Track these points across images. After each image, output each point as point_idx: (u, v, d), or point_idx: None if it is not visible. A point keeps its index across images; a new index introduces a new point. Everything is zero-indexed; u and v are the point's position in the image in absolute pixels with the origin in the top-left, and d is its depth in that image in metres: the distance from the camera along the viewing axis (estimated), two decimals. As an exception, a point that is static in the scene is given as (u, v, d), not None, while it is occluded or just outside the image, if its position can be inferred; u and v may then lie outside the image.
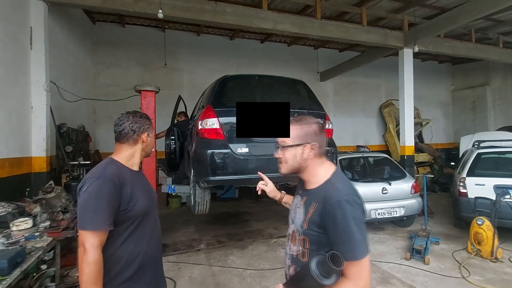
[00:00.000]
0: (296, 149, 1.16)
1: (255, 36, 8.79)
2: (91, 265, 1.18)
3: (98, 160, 7.12)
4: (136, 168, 1.48)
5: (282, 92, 3.32)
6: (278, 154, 1.22)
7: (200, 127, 2.89)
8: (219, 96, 3.04)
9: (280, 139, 1.22)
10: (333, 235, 1.04)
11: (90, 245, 1.19)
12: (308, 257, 1.11)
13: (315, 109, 3.32)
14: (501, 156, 5.06)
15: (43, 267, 2.66)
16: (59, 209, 3.06)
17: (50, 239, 2.59)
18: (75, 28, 6.34)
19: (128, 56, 7.97)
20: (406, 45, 6.41)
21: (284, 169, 1.20)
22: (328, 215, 1.04)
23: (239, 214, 6.77)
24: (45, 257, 2.67)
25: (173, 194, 5.26)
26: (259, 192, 1.58)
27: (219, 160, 2.76)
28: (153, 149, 1.62)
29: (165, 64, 7.85)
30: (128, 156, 1.44)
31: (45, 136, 4.26)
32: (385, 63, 10.48)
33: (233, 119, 2.88)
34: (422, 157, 9.45)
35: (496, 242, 3.98)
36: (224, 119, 2.88)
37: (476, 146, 5.43)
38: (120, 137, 1.44)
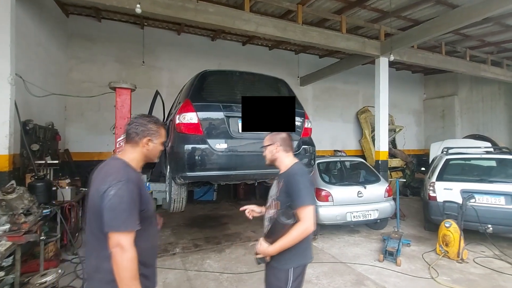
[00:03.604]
0: (271, 147, 1.92)
1: (237, 38, 8.77)
2: (132, 261, 1.30)
3: (67, 160, 6.74)
4: (139, 169, 1.55)
5: (263, 90, 3.31)
6: (264, 152, 1.95)
7: (177, 121, 2.79)
8: (199, 91, 2.97)
9: (264, 143, 1.96)
10: (292, 193, 1.70)
11: (127, 244, 1.29)
12: None
13: (296, 108, 3.33)
14: (467, 162, 5.37)
15: (1, 274, 2.44)
16: (21, 211, 2.83)
17: (9, 243, 2.39)
18: (47, 20, 5.98)
19: (104, 51, 7.64)
20: (383, 53, 6.68)
21: (266, 160, 1.95)
22: (291, 182, 1.72)
23: (217, 217, 6.66)
24: (3, 263, 2.45)
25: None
26: (251, 217, 2.13)
27: (197, 156, 2.68)
28: (157, 156, 1.63)
29: (143, 62, 7.61)
30: (132, 157, 1.50)
31: (8, 132, 3.95)
32: (363, 71, 10.85)
33: (212, 115, 2.83)
34: (395, 162, 9.84)
35: (462, 243, 4.20)
36: (203, 114, 2.81)
37: (444, 152, 5.73)
38: (126, 137, 1.53)
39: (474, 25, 6.76)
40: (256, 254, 1.76)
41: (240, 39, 8.82)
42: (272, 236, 1.66)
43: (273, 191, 1.87)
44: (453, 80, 11.91)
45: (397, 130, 10.67)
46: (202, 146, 2.74)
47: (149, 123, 1.53)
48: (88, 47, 7.54)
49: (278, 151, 1.87)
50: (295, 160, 1.90)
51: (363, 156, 10.11)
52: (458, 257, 4.18)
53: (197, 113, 2.78)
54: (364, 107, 11.05)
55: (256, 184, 3.31)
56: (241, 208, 2.14)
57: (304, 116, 3.41)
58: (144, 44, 7.74)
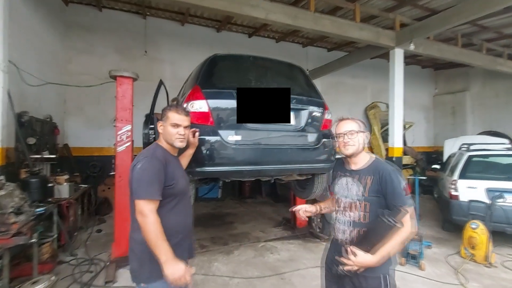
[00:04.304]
0: (362, 134, 1.65)
1: (243, 29, 8.43)
2: (154, 224, 1.45)
3: (67, 155, 6.45)
4: (174, 153, 1.77)
5: (279, 76, 2.97)
6: (347, 138, 1.62)
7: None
8: (209, 76, 2.64)
9: (349, 127, 1.63)
10: (391, 194, 1.51)
11: (148, 210, 1.47)
12: (369, 217, 1.55)
13: (314, 97, 3.02)
14: (491, 159, 5.03)
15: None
16: (11, 210, 2.53)
17: (-6, 247, 2.09)
18: (44, 8, 5.66)
19: (104, 42, 7.31)
20: (398, 44, 6.32)
21: (353, 149, 1.63)
22: (386, 181, 1.53)
23: (222, 215, 6.37)
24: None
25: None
26: (305, 218, 1.93)
27: (207, 149, 2.36)
28: (176, 140, 1.70)
29: (146, 51, 7.27)
30: (162, 142, 1.74)
31: (0, 124, 3.65)
32: (372, 65, 10.54)
33: (224, 102, 2.51)
34: (405, 160, 9.48)
35: (491, 246, 3.89)
36: (214, 102, 2.47)
37: (464, 149, 5.40)
38: None
39: (493, 15, 6.40)
40: (336, 263, 1.54)
41: (246, 30, 8.47)
42: (367, 243, 1.46)
43: (353, 189, 1.62)
44: (464, 75, 11.52)
45: (407, 126, 10.30)
46: (213, 138, 2.42)
47: (166, 108, 1.75)
48: (87, 37, 7.21)
49: (365, 143, 1.64)
50: (372, 155, 1.69)
51: (371, 153, 9.75)
52: (485, 261, 3.87)
53: (207, 100, 2.46)
54: (373, 103, 10.69)
55: (273, 181, 2.99)
56: (293, 209, 1.94)
57: (323, 106, 3.08)
58: (146, 35, 7.41)
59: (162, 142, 1.73)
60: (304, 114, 2.87)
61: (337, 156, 5.93)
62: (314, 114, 2.94)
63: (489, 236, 3.88)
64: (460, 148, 6.12)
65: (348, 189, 1.65)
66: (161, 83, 3.90)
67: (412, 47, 5.61)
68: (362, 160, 1.66)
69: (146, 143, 3.84)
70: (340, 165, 1.81)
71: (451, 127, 11.73)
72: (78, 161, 6.47)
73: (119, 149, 3.60)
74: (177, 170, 1.70)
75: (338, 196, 1.72)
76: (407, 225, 1.44)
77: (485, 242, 3.87)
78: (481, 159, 4.95)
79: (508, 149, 5.35)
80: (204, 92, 2.50)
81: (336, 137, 1.69)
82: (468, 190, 4.52)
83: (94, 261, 3.77)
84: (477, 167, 4.82)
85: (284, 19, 5.12)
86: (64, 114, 6.81)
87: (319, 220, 5.00)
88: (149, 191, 1.49)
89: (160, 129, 1.72)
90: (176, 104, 1.79)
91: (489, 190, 4.38)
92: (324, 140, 2.93)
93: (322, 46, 9.67)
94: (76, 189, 4.68)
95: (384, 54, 9.84)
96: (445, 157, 7.32)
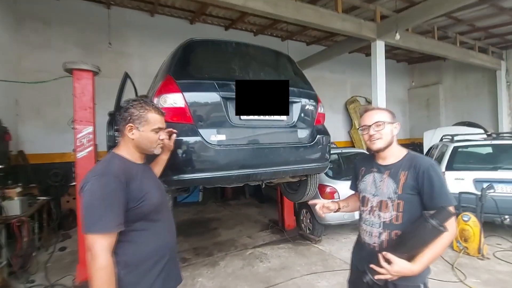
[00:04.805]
0: (391, 125, 1.44)
1: (219, 21, 7.96)
2: (102, 270, 1.11)
3: (22, 163, 5.67)
4: (141, 160, 1.40)
5: (266, 65, 2.60)
6: (373, 131, 1.42)
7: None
8: (184, 65, 2.21)
9: (375, 118, 1.42)
10: (431, 192, 1.32)
11: (99, 249, 1.12)
12: (403, 218, 1.36)
13: (305, 88, 2.69)
14: (474, 149, 5.02)
15: None
16: None
17: None
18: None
19: (63, 36, 6.52)
20: (379, 36, 6.20)
21: (381, 144, 1.42)
22: (423, 177, 1.34)
23: (205, 221, 5.92)
24: None
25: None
26: (323, 215, 1.68)
27: (186, 152, 1.95)
28: (158, 147, 1.41)
29: (109, 43, 6.57)
30: (125, 148, 1.35)
31: None
32: (350, 60, 10.53)
33: (204, 96, 2.10)
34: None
35: (482, 238, 3.81)
36: (192, 96, 2.05)
37: (448, 140, 5.37)
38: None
39: (469, 7, 6.45)
40: (368, 273, 1.31)
41: (223, 22, 8.00)
42: (401, 248, 1.25)
43: (384, 186, 1.43)
44: (437, 68, 11.86)
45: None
46: (192, 139, 2.00)
47: (131, 107, 1.33)
48: (43, 30, 6.40)
49: (395, 135, 1.46)
50: (404, 148, 1.50)
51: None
52: (478, 253, 3.79)
53: (184, 93, 2.03)
54: (352, 97, 10.70)
55: (264, 186, 2.63)
56: (311, 202, 1.71)
57: (316, 99, 2.76)
58: (110, 26, 6.69)
59: (122, 151, 1.35)
60: (296, 108, 2.53)
61: (358, 150, 5.69)
62: (306, 107, 2.61)
63: (481, 228, 3.80)
64: (441, 140, 6.14)
65: (377, 187, 1.46)
66: (126, 76, 3.40)
67: (398, 37, 5.49)
68: (393, 154, 1.46)
69: (112, 147, 3.31)
70: (366, 160, 1.61)
71: (426, 119, 12.04)
72: (37, 170, 5.69)
73: (79, 155, 3.06)
74: (147, 181, 1.34)
75: (365, 194, 1.53)
76: (452, 228, 1.26)
77: (478, 234, 3.79)
78: (467, 149, 4.92)
79: (486, 139, 5.42)
80: (179, 83, 2.07)
81: (361, 129, 1.50)
82: (456, 182, 4.44)
83: (54, 288, 3.21)
84: (463, 158, 4.77)
85: (264, 7, 4.76)
86: (17, 117, 5.98)
87: (308, 220, 4.73)
88: (101, 222, 1.12)
89: (130, 134, 1.32)
90: (146, 99, 1.40)
91: (476, 181, 4.33)
92: (318, 136, 2.61)
93: (302, 40, 9.44)
94: (32, 203, 4.02)
95: (362, 48, 9.84)
96: (425, 149, 7.37)
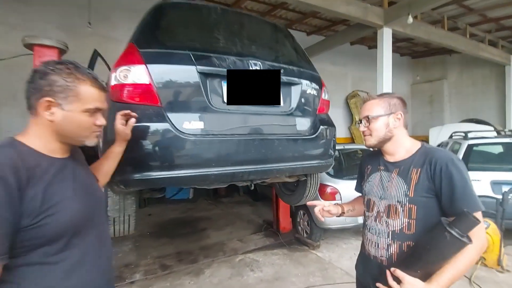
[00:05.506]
0: (384, 118, 1.20)
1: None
2: None
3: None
4: (60, 154, 0.93)
5: (259, 38, 2.11)
6: (363, 127, 1.25)
7: (114, 82, 1.55)
8: (151, 31, 1.72)
9: (365, 112, 1.24)
10: (451, 193, 1.05)
11: None
12: (416, 227, 1.11)
13: (307, 68, 2.21)
14: (491, 148, 4.58)
15: None
16: None
17: None
18: None
19: (44, 17, 6.01)
20: (386, 23, 5.72)
21: (372, 141, 1.23)
22: (440, 176, 1.07)
23: (193, 220, 5.46)
24: None
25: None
26: (322, 219, 1.43)
27: (151, 143, 1.49)
28: (92, 136, 0.97)
29: (89, 23, 6.02)
30: (36, 134, 0.90)
31: None
32: (352, 52, 10.06)
33: (176, 70, 1.62)
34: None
35: (502, 248, 3.39)
36: (159, 69, 1.56)
37: (461, 137, 4.93)
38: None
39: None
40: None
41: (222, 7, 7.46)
42: (414, 263, 1.01)
43: (392, 188, 1.18)
44: (442, 63, 11.39)
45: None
46: (158, 126, 1.52)
47: (53, 73, 0.87)
48: (21, 11, 5.88)
49: (399, 126, 1.21)
50: (417, 141, 1.23)
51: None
52: (498, 265, 3.36)
53: (148, 66, 1.54)
54: (353, 91, 10.23)
55: (252, 187, 2.16)
56: (309, 203, 1.49)
57: (320, 82, 2.29)
58: (93, 7, 6.15)
59: (30, 137, 0.90)
60: (295, 92, 2.05)
61: (361, 147, 5.25)
62: (308, 91, 2.13)
63: (502, 237, 3.38)
64: (451, 137, 5.70)
65: (384, 188, 1.22)
66: (96, 54, 2.90)
67: (410, 20, 5.01)
68: (403, 148, 1.21)
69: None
70: (372, 157, 1.35)
71: (429, 116, 11.61)
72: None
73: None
74: (63, 186, 0.89)
75: (370, 197, 1.29)
76: (479, 240, 1.00)
77: (498, 244, 3.37)
78: (483, 148, 4.47)
79: (497, 136, 5.02)
80: (143, 53, 1.58)
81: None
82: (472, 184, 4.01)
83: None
84: (479, 157, 4.34)
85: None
86: (-10, 104, 5.46)
87: (306, 223, 4.29)
88: None
89: (48, 114, 0.88)
90: (80, 64, 0.94)
91: (494, 183, 3.90)
92: (321, 127, 2.14)
93: (302, 29, 8.92)
94: None
95: (365, 40, 9.37)
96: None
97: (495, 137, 4.79)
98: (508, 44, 9.24)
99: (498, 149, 4.55)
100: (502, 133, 5.11)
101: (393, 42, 9.15)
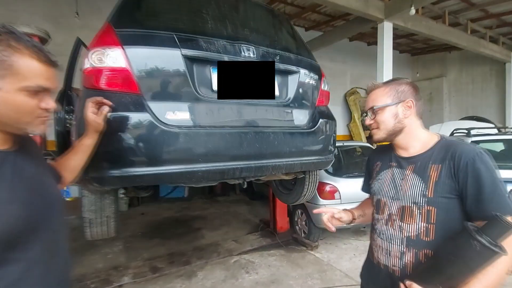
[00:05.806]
0: (391, 108, 1.04)
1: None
2: None
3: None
4: (5, 145, 0.76)
5: (253, 21, 1.93)
6: (369, 120, 1.10)
7: (87, 66, 1.37)
8: (131, 9, 1.54)
9: (371, 102, 1.09)
10: (479, 194, 0.89)
11: None
12: (435, 233, 0.95)
13: (305, 56, 2.04)
14: (493, 145, 4.45)
15: None
16: None
17: None
18: None
19: (29, 8, 5.79)
20: (387, 17, 5.56)
21: (380, 134, 1.07)
22: (466, 173, 0.91)
23: (188, 220, 5.28)
24: None
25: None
26: (333, 229, 1.20)
27: (129, 136, 1.32)
28: (37, 122, 0.78)
29: (77, 13, 5.81)
30: None
31: None
32: (351, 49, 9.90)
33: (157, 53, 1.44)
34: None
35: None
36: (138, 52, 1.39)
37: (464, 134, 4.79)
38: None
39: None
40: None
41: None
42: (434, 276, 0.84)
43: (406, 187, 1.01)
44: (441, 60, 11.27)
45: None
46: (137, 116, 1.35)
47: None
48: (6, 1, 5.65)
49: (409, 116, 1.04)
50: (435, 133, 1.06)
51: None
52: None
53: (125, 48, 1.37)
54: (352, 89, 10.08)
55: (245, 186, 1.99)
56: (316, 211, 1.32)
57: (319, 72, 2.12)
58: (85, -2, 5.94)
59: None
60: (293, 81, 1.88)
61: (362, 144, 5.09)
62: (306, 81, 1.96)
63: None
64: (452, 134, 5.56)
65: (397, 187, 1.06)
66: (79, 43, 2.71)
67: (413, 11, 4.85)
68: (418, 141, 1.05)
69: (61, 133, 2.63)
70: (382, 152, 1.19)
71: (428, 113, 11.49)
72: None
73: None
74: (3, 184, 0.71)
75: (379, 197, 1.13)
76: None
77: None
78: (485, 145, 4.33)
79: (498, 133, 4.92)
80: (120, 33, 1.40)
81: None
82: (503, 183, 3.88)
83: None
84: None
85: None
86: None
87: (304, 222, 4.13)
88: None
89: None
90: (19, 31, 0.70)
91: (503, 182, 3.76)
92: (321, 120, 1.97)
93: (300, 24, 8.74)
94: None
95: (364, 36, 9.21)
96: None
97: (497, 134, 4.66)
98: (509, 41, 9.13)
99: (500, 147, 4.43)
100: (503, 130, 5.00)
101: (393, 39, 9.05)
